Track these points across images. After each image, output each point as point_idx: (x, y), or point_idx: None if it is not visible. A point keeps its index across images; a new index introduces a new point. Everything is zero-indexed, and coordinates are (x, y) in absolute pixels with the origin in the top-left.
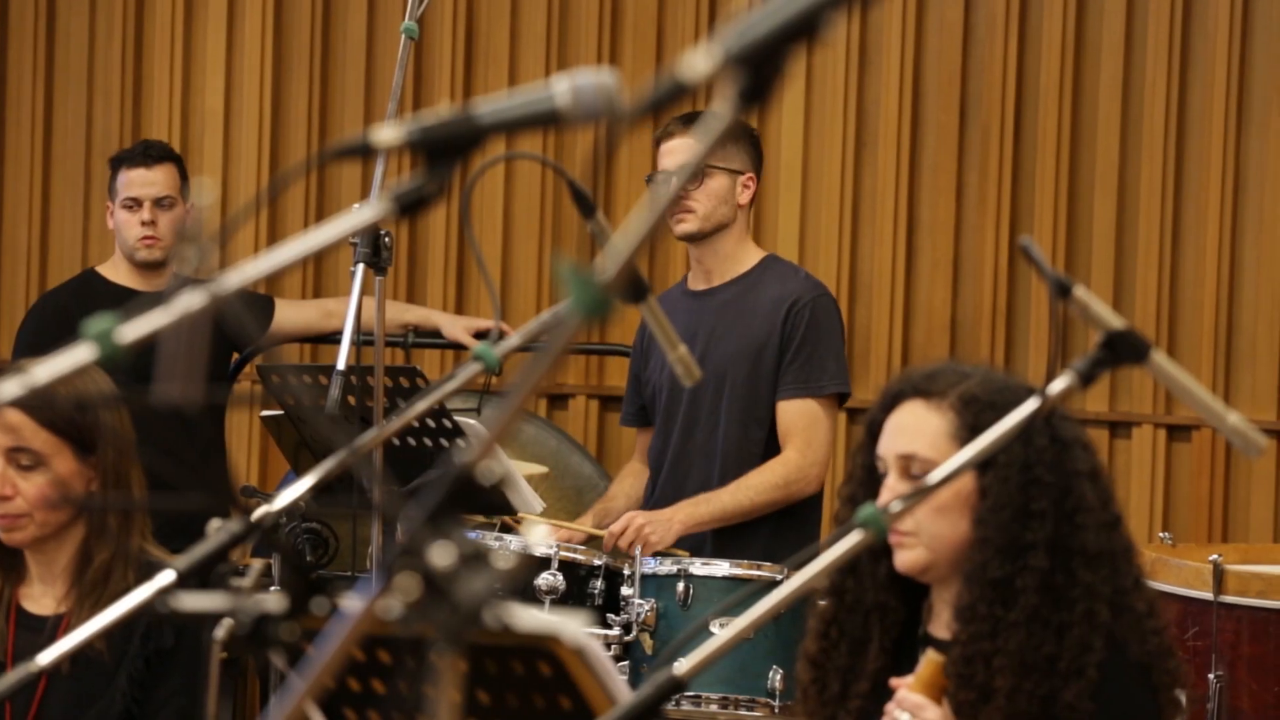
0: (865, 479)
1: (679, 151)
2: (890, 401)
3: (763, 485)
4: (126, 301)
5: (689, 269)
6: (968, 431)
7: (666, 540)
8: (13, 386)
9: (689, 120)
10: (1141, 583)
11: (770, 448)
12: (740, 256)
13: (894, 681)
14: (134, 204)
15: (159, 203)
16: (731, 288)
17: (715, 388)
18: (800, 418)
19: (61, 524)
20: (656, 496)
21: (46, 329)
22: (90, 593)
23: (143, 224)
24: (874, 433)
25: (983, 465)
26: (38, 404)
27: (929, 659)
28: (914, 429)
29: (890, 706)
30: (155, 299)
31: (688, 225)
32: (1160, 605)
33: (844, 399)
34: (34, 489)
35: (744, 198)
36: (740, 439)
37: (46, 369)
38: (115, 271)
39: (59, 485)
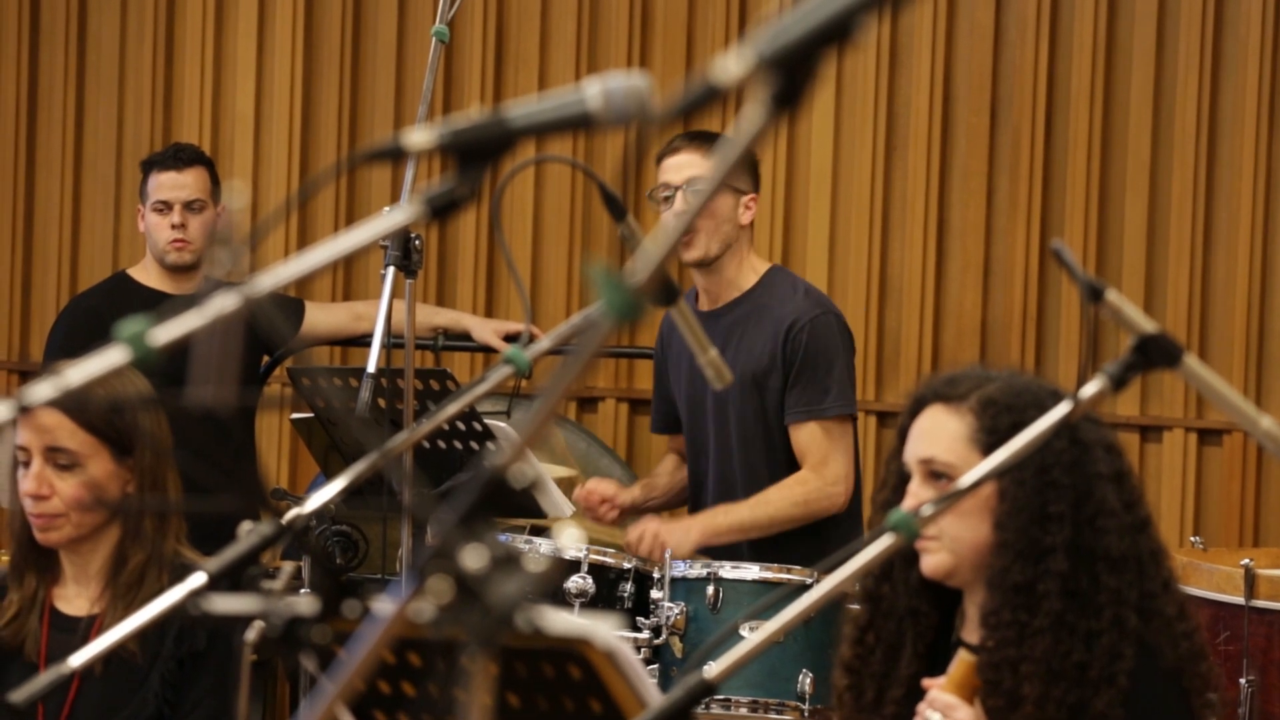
0: (899, 485)
1: (684, 167)
2: (915, 407)
3: (782, 502)
4: (158, 304)
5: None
6: (985, 434)
7: (683, 549)
8: (46, 388)
9: (693, 137)
10: (1171, 585)
11: (792, 465)
12: (746, 273)
13: (926, 682)
14: (164, 207)
15: (189, 206)
16: (734, 310)
17: (720, 415)
18: (810, 441)
19: (97, 525)
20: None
21: (78, 332)
22: (124, 595)
23: (173, 227)
24: (904, 438)
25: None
26: (76, 405)
27: (961, 659)
28: (933, 433)
29: (922, 706)
30: (187, 302)
31: (694, 251)
32: (1191, 607)
33: (853, 417)
34: (71, 489)
35: (745, 218)
36: (754, 464)
37: (80, 371)
38: (146, 274)
39: (93, 487)
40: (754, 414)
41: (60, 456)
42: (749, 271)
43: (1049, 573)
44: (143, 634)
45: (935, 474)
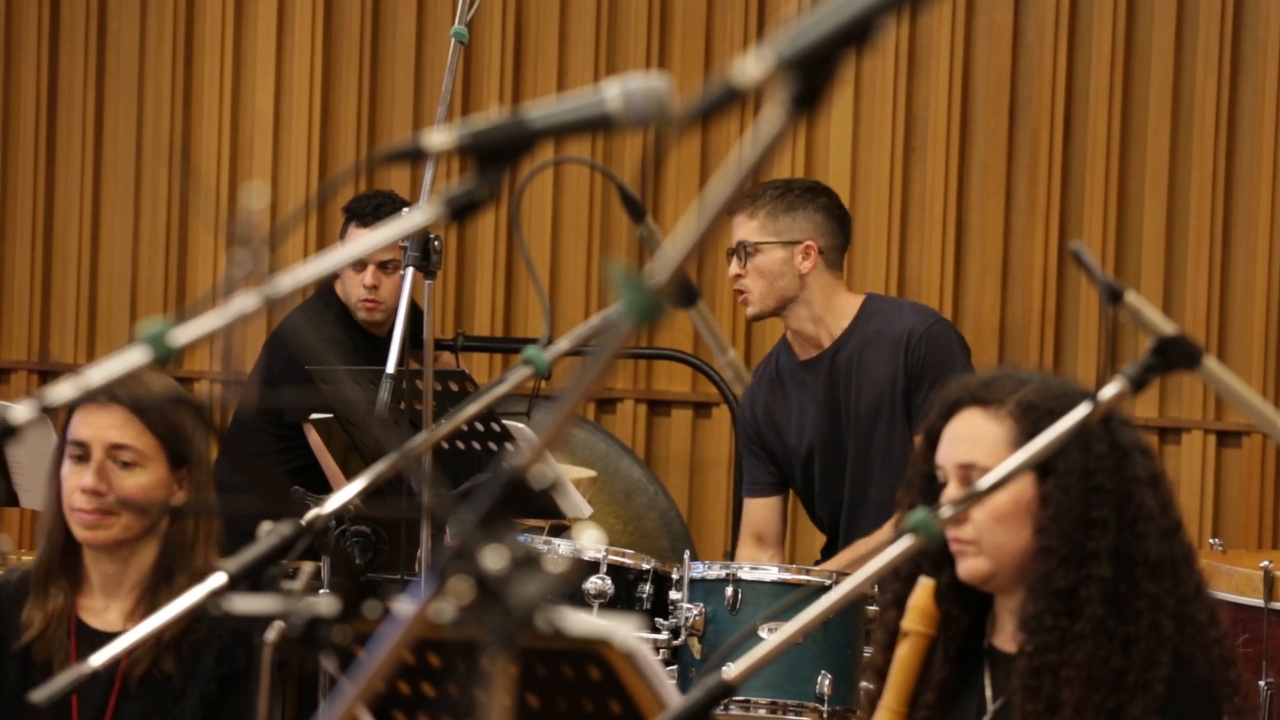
0: (924, 487)
1: (735, 229)
2: (948, 410)
3: None
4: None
5: (784, 334)
6: (1026, 439)
7: None
8: (68, 388)
9: (749, 195)
10: (1202, 590)
11: None
12: (837, 311)
13: (904, 624)
14: (359, 264)
15: (383, 266)
16: (843, 348)
17: (863, 440)
18: None
19: (141, 531)
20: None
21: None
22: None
23: (365, 286)
24: (933, 441)
25: (1043, 473)
26: (145, 406)
27: (921, 584)
28: (972, 438)
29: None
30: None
31: (750, 309)
32: (1220, 612)
33: None
34: (128, 488)
35: (805, 266)
36: (890, 483)
37: (101, 370)
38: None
39: (147, 489)
40: (889, 431)
41: (124, 454)
42: (842, 309)
43: (1092, 578)
44: (180, 653)
45: (974, 479)
